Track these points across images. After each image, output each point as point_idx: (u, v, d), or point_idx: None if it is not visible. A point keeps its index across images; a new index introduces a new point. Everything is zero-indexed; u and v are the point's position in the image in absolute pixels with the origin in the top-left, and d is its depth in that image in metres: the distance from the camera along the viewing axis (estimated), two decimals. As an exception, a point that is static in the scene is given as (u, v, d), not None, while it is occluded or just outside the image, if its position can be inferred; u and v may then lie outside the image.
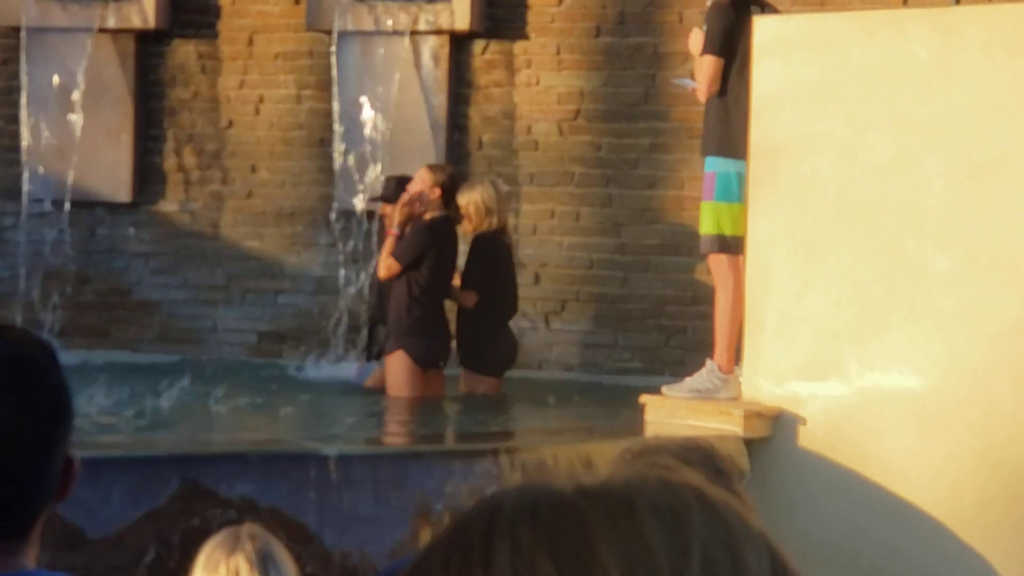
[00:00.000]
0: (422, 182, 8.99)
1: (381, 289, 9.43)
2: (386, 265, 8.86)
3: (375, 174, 10.49)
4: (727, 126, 7.83)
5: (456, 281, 9.07)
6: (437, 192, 8.94)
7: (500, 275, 9.13)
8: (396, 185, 9.45)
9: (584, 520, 0.86)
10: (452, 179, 9.07)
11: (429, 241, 8.82)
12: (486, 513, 0.87)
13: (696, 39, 8.11)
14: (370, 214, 10.43)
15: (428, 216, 8.94)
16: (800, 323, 7.40)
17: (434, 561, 0.87)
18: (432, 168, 9.18)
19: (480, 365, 9.04)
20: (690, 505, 0.87)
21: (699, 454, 2.51)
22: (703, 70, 7.95)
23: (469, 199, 8.98)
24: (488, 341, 9.08)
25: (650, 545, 0.85)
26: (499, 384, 9.14)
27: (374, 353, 9.71)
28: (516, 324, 10.13)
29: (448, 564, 0.86)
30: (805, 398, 7.38)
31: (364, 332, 10.14)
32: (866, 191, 7.26)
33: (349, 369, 10.01)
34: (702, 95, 8.24)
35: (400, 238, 8.87)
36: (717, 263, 7.98)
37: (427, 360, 8.82)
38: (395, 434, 8.49)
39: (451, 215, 8.98)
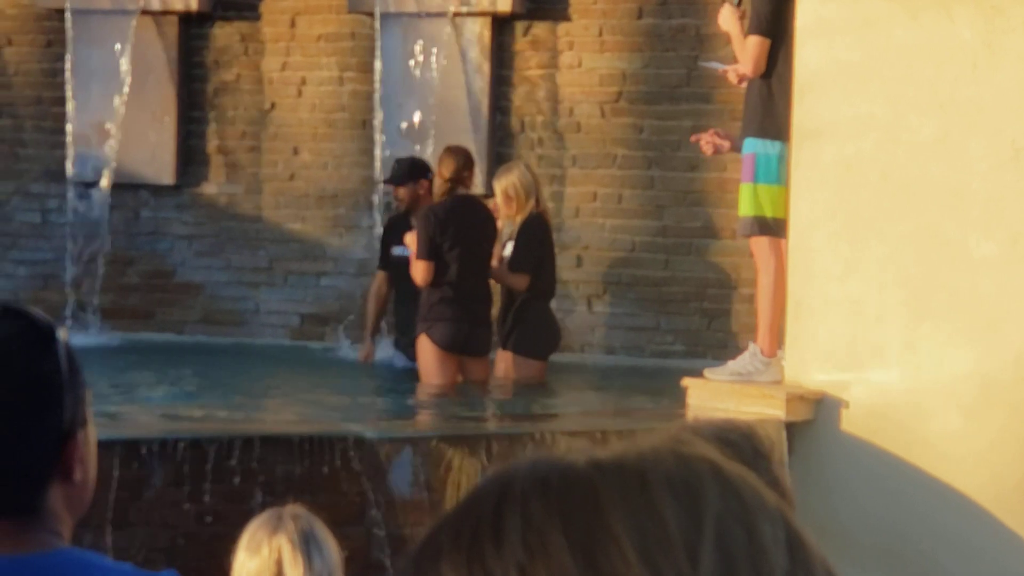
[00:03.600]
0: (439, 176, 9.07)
1: (400, 280, 9.43)
2: (415, 271, 8.81)
3: (417, 156, 10.50)
4: (770, 107, 7.79)
5: (495, 263, 9.03)
6: (443, 176, 8.96)
7: (545, 258, 9.12)
8: (407, 167, 9.47)
9: (596, 493, 0.85)
10: (458, 160, 9.03)
11: (432, 225, 8.74)
12: (497, 487, 0.87)
13: (727, 16, 8.07)
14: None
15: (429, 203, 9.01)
16: (842, 306, 7.37)
17: (445, 535, 0.87)
18: (444, 152, 9.19)
19: (526, 348, 9.03)
20: (704, 478, 0.86)
21: (737, 435, 2.51)
22: (749, 51, 7.90)
23: (508, 183, 8.99)
24: (534, 324, 9.06)
25: (663, 518, 0.84)
26: (544, 368, 9.12)
27: (402, 344, 9.67)
28: (559, 307, 10.13)
29: (459, 538, 0.86)
30: (848, 382, 7.35)
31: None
32: (909, 173, 7.22)
33: (388, 351, 10.01)
34: (734, 77, 8.20)
35: None
36: (759, 246, 7.95)
37: (451, 344, 8.73)
38: (428, 416, 8.49)
39: (457, 194, 8.92)
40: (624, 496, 0.85)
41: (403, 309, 9.48)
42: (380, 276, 9.85)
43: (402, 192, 9.55)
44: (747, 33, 7.91)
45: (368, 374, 9.70)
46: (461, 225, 8.78)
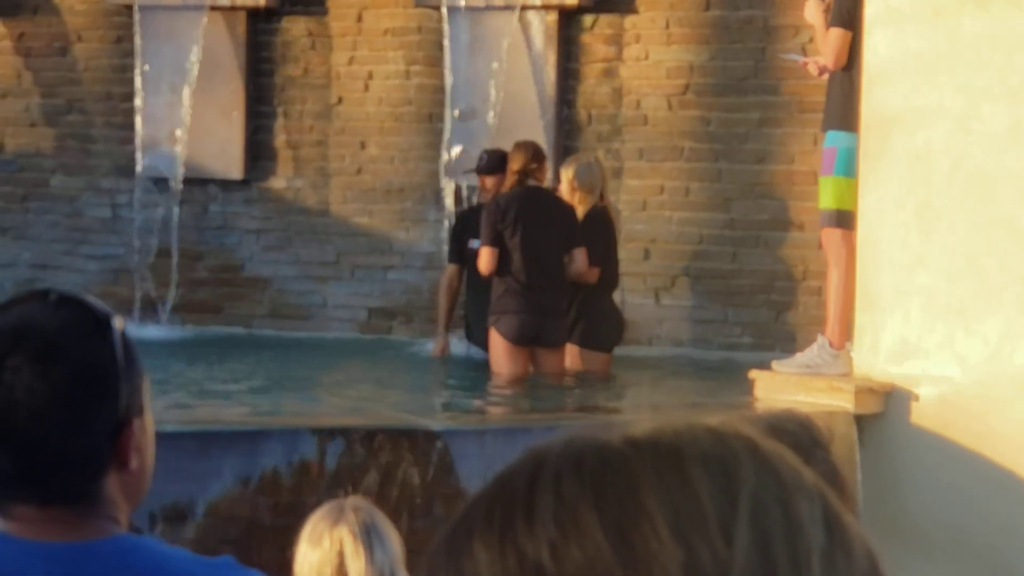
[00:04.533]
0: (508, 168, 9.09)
1: (470, 272, 9.43)
2: (480, 258, 8.83)
3: (482, 149, 10.50)
4: (852, 100, 7.72)
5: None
6: (513, 168, 8.96)
7: (606, 250, 9.11)
8: (496, 158, 9.47)
9: (630, 470, 0.84)
10: (523, 151, 9.05)
11: (498, 214, 8.76)
12: (530, 465, 0.86)
13: (812, 9, 8.03)
14: (475, 189, 10.45)
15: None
16: (912, 298, 7.31)
17: (478, 513, 0.86)
18: (514, 147, 9.19)
19: (591, 341, 9.02)
20: (740, 456, 0.85)
21: (795, 424, 2.50)
22: (831, 43, 7.85)
23: (573, 174, 9.05)
24: (597, 317, 9.06)
25: (698, 495, 0.82)
26: (609, 360, 9.11)
27: (472, 335, 9.66)
28: (626, 300, 10.11)
29: (491, 516, 0.85)
30: (917, 374, 7.28)
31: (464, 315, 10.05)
32: (980, 163, 7.15)
33: (459, 345, 10.00)
34: (815, 69, 8.15)
35: None
36: (830, 238, 7.90)
37: (519, 336, 8.72)
38: (497, 409, 8.49)
39: (526, 185, 8.93)
40: (658, 473, 0.83)
41: (478, 301, 9.45)
42: (451, 269, 9.81)
43: (489, 182, 9.52)
44: (829, 25, 7.86)
45: (439, 367, 9.70)
46: (524, 215, 8.77)
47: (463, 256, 9.59)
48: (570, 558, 0.82)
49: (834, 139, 7.82)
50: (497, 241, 8.73)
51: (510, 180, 9.00)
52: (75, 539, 2.07)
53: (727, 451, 0.85)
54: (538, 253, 8.79)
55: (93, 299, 2.14)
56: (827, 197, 7.86)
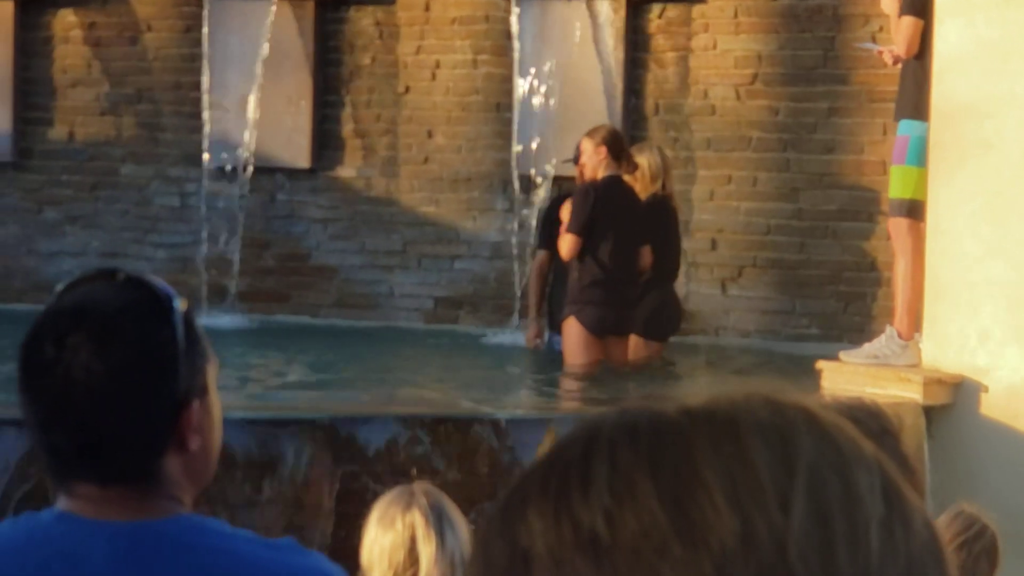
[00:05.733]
0: (585, 153, 8.88)
1: (557, 259, 9.35)
2: (563, 243, 8.75)
3: (551, 139, 10.48)
4: (924, 89, 7.65)
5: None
6: (603, 151, 8.82)
7: (666, 240, 9.06)
8: None
9: (686, 440, 0.83)
10: (613, 136, 8.96)
11: (591, 202, 8.69)
12: (585, 435, 0.85)
13: (888, -1, 7.96)
14: (553, 179, 10.43)
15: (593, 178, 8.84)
16: (982, 289, 7.24)
17: (533, 482, 0.85)
18: (590, 133, 9.03)
19: (647, 330, 8.98)
20: (798, 426, 0.84)
21: (864, 412, 2.50)
22: (903, 31, 7.78)
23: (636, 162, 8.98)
24: (655, 306, 9.00)
25: (755, 465, 0.82)
26: (661, 349, 9.08)
27: (555, 323, 9.61)
28: (692, 290, 10.07)
29: (547, 485, 0.84)
30: (987, 366, 7.22)
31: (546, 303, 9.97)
32: (1052, 153, 7.07)
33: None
34: (889, 57, 8.08)
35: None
36: (897, 228, 7.85)
37: (600, 327, 8.69)
38: (566, 398, 8.47)
39: (619, 174, 8.86)
40: (714, 443, 0.83)
41: (563, 289, 9.36)
42: (541, 256, 9.70)
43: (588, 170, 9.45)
44: (901, 13, 7.79)
45: (506, 357, 9.67)
46: (617, 206, 8.73)
47: (554, 243, 9.53)
48: (625, 526, 0.81)
49: (907, 128, 7.76)
50: (586, 230, 8.68)
51: (603, 164, 8.79)
52: (137, 518, 2.08)
53: (784, 421, 0.84)
54: (625, 245, 8.77)
55: (157, 280, 2.15)
56: (898, 186, 7.80)
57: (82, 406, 2.05)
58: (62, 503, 2.12)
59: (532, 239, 10.41)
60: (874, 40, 9.40)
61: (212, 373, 2.16)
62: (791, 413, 0.85)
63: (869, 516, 0.82)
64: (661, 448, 0.83)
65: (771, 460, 0.82)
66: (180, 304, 2.11)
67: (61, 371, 2.05)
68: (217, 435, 2.18)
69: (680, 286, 9.64)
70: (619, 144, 8.89)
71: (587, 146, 8.87)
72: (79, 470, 2.09)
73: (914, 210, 7.70)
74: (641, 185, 8.96)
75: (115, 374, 2.05)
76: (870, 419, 2.56)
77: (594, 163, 8.80)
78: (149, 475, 2.09)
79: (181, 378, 2.08)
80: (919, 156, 7.66)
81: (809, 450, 0.83)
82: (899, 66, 8.00)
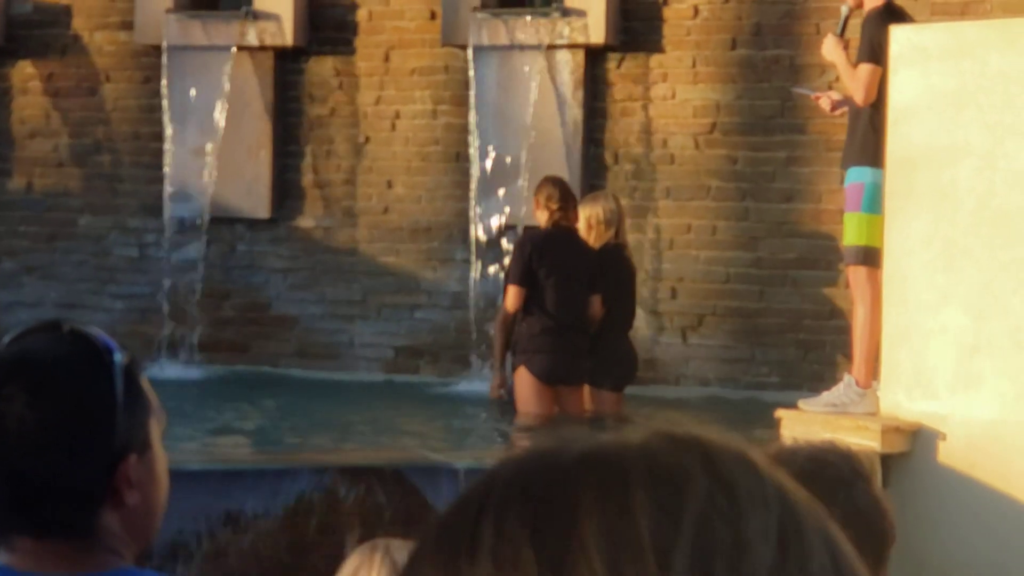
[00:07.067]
0: (535, 202, 9.02)
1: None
2: (507, 295, 8.83)
3: (511, 189, 10.50)
4: (879, 135, 7.69)
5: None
6: (542, 201, 8.92)
7: (619, 289, 9.06)
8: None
9: (575, 497, 0.83)
10: (556, 186, 9.00)
11: (527, 253, 8.77)
12: (481, 491, 0.86)
13: (831, 46, 7.99)
14: (510, 227, 10.43)
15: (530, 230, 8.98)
16: (939, 336, 7.26)
17: (431, 540, 0.86)
18: (538, 185, 9.15)
19: (601, 380, 8.95)
20: (692, 472, 0.83)
21: (836, 455, 2.51)
22: (861, 79, 7.81)
23: (591, 212, 9.00)
24: (608, 356, 8.98)
25: (637, 523, 0.81)
26: (620, 400, 9.06)
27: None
28: (653, 339, 10.08)
29: (441, 545, 0.85)
30: (945, 413, 7.23)
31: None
32: (1007, 201, 7.11)
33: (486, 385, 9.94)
34: (827, 103, 8.10)
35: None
36: (856, 275, 7.87)
37: (550, 376, 8.70)
38: (517, 448, 8.45)
39: (559, 225, 8.89)
40: (601, 499, 0.82)
41: None
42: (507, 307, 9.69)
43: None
44: (858, 61, 7.82)
45: (465, 407, 9.66)
46: (559, 254, 8.77)
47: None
48: None
49: (859, 175, 7.78)
50: (527, 280, 8.72)
51: (545, 216, 8.94)
52: (74, 571, 2.06)
53: (679, 466, 0.83)
54: (571, 294, 8.79)
55: (99, 333, 2.13)
56: (852, 233, 7.83)
57: (13, 457, 2.04)
58: (3, 556, 2.09)
59: (491, 289, 10.42)
60: (829, 90, 9.44)
61: (156, 428, 2.14)
62: (688, 456, 0.84)
63: (756, 565, 0.81)
64: (548, 511, 0.82)
65: (657, 514, 0.81)
66: (121, 358, 2.10)
67: None
68: (161, 490, 2.15)
69: (642, 335, 9.65)
70: (562, 194, 8.95)
71: (537, 197, 9.01)
72: (15, 522, 2.07)
73: (870, 257, 7.72)
74: (596, 233, 8.97)
75: (47, 426, 2.03)
76: (843, 462, 2.57)
77: (539, 214, 8.94)
78: (85, 529, 2.07)
79: (118, 432, 2.06)
80: (873, 203, 7.69)
81: (699, 498, 0.82)
82: (844, 113, 8.05)
